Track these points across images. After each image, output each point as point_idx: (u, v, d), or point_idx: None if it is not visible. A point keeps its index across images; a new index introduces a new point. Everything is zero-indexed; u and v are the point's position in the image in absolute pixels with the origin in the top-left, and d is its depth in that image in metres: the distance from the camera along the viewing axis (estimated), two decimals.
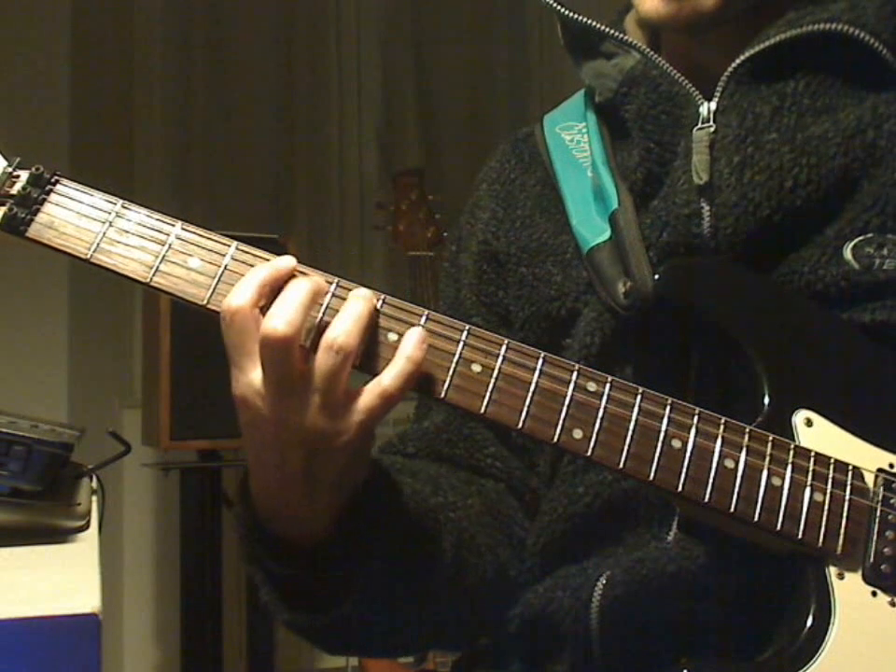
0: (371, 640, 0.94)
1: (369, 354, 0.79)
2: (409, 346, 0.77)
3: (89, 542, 1.14)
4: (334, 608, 0.84)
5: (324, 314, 0.77)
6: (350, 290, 0.79)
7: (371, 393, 0.77)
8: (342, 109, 3.69)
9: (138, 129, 3.49)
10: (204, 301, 0.78)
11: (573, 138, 1.06)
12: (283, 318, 0.74)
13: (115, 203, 0.80)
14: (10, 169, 0.80)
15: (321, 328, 0.76)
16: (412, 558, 0.89)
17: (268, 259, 0.79)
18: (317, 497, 0.80)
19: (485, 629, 1.04)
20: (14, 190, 0.79)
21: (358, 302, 0.77)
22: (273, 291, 0.76)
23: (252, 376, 0.76)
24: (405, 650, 1.00)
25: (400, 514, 0.88)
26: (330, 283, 0.80)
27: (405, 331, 0.79)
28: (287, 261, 0.78)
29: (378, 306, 0.79)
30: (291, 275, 0.78)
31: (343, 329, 0.75)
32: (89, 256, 0.79)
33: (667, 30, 1.02)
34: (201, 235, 0.80)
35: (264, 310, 0.76)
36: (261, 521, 0.83)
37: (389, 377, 0.76)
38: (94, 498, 1.31)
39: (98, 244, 0.79)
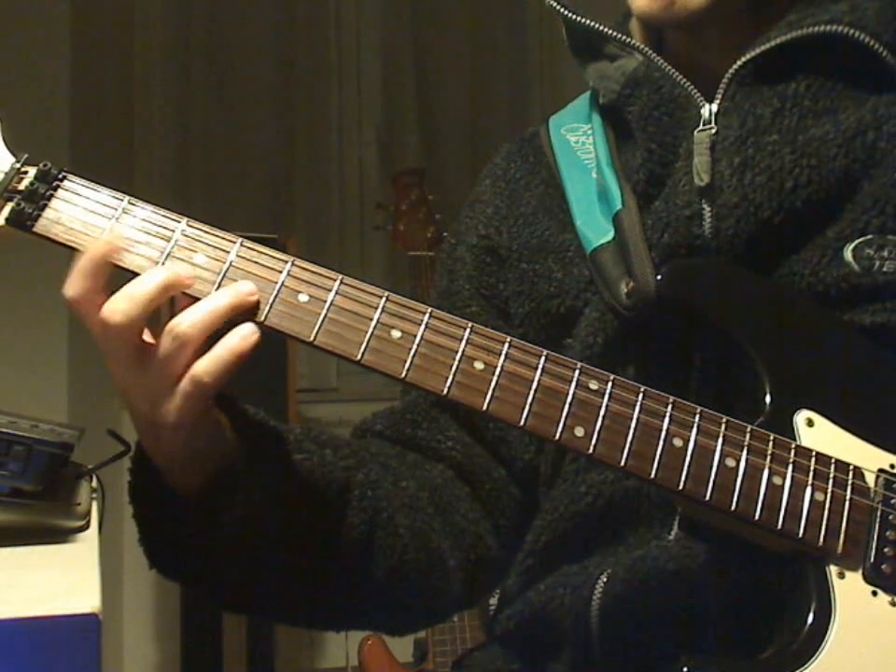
0: (251, 600, 0.94)
1: (376, 350, 0.79)
2: (233, 337, 0.77)
3: (89, 542, 1.14)
4: (197, 557, 0.85)
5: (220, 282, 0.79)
6: (353, 287, 0.80)
7: (187, 378, 0.78)
8: (342, 109, 3.69)
9: (138, 128, 3.49)
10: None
11: (578, 140, 1.06)
12: (118, 308, 0.76)
13: (121, 200, 0.80)
14: (18, 165, 0.81)
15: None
16: (302, 527, 0.89)
17: (273, 256, 0.80)
18: (173, 463, 0.83)
19: (418, 614, 1.04)
20: (22, 186, 0.80)
21: (221, 295, 0.78)
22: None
23: (99, 346, 0.79)
24: (307, 619, 1.01)
25: (286, 483, 0.88)
26: (334, 280, 0.80)
27: (409, 329, 0.79)
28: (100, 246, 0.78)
29: (382, 304, 0.79)
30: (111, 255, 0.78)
31: (190, 318, 0.77)
32: None
33: (662, 28, 1.02)
34: (206, 232, 0.80)
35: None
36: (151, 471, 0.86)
37: (202, 364, 0.77)
38: (94, 498, 1.31)
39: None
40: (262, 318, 0.79)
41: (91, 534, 1.17)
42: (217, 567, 0.86)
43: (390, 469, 1.00)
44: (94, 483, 1.37)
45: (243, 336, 0.77)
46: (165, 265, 0.78)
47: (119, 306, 0.76)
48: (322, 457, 0.92)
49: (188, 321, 0.76)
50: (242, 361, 0.77)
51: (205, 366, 0.77)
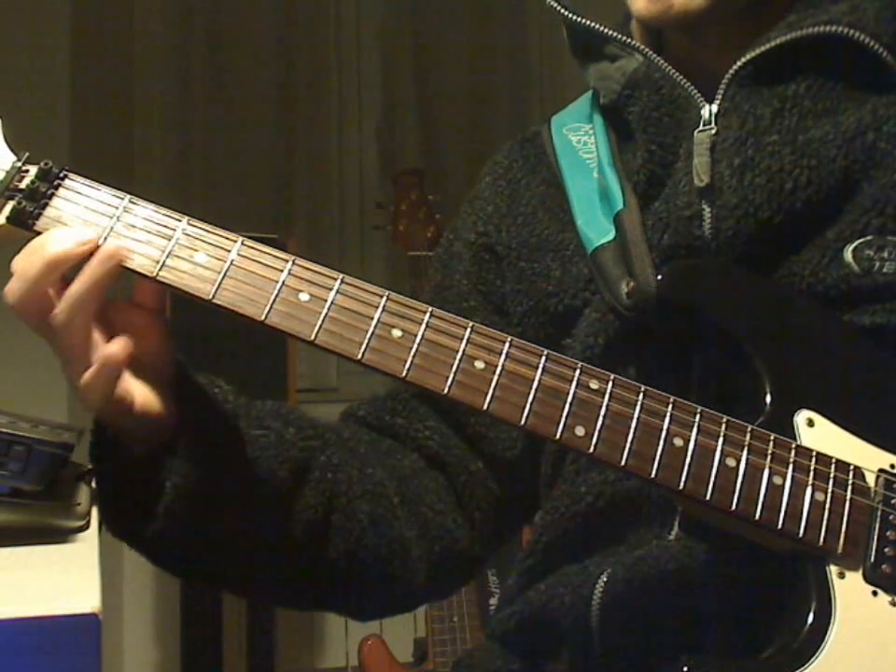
0: (195, 568, 0.94)
1: (376, 350, 0.79)
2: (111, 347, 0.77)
3: (89, 542, 1.14)
4: (146, 524, 0.86)
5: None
6: (354, 287, 0.80)
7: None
8: (342, 109, 3.69)
9: (138, 128, 3.49)
10: (210, 297, 0.79)
11: (580, 139, 1.06)
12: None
13: (122, 198, 0.80)
14: (19, 164, 0.81)
15: None
16: (256, 504, 0.89)
17: (274, 255, 0.80)
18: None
19: (376, 601, 1.04)
20: (23, 185, 0.80)
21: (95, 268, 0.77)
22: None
23: None
24: (265, 593, 1.02)
25: (240, 457, 0.88)
26: (335, 279, 0.80)
27: (409, 328, 0.79)
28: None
29: (383, 304, 0.80)
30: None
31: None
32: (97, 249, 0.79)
33: (661, 29, 1.02)
34: (207, 231, 0.80)
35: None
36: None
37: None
38: (94, 498, 1.31)
39: (105, 238, 0.79)
40: (263, 317, 0.79)
41: (91, 534, 1.17)
42: (167, 533, 0.86)
43: (358, 455, 1.00)
44: (94, 484, 1.37)
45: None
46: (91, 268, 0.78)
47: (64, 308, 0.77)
48: (281, 435, 0.92)
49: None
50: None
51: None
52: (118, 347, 0.77)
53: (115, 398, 0.79)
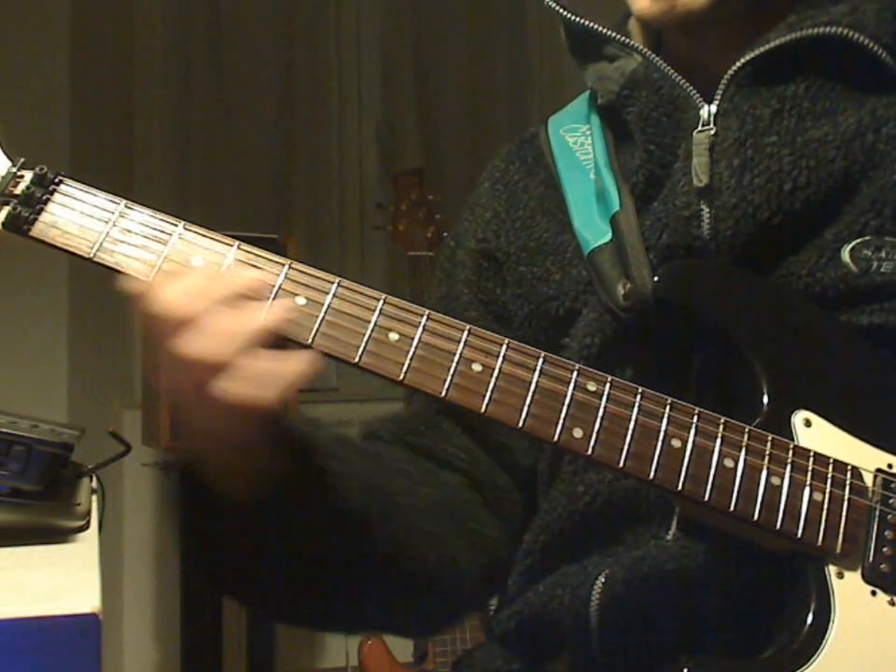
0: (283, 603, 0.94)
1: (373, 353, 0.79)
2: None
3: (89, 542, 1.14)
4: (243, 553, 0.85)
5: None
6: (350, 290, 0.80)
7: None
8: (342, 109, 3.69)
9: (138, 129, 3.49)
10: None
11: (577, 140, 1.06)
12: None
13: (118, 203, 0.80)
14: (14, 169, 0.81)
15: None
16: (339, 534, 0.89)
17: (270, 259, 0.80)
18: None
19: (434, 619, 1.05)
20: (18, 190, 0.80)
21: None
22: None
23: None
24: (333, 623, 1.02)
25: (328, 491, 0.87)
26: (332, 283, 0.80)
27: (406, 331, 0.79)
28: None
29: (380, 307, 0.80)
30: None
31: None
32: (92, 255, 0.79)
33: (662, 29, 1.02)
34: (203, 235, 0.80)
35: None
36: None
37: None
38: (94, 498, 1.31)
39: (101, 243, 0.79)
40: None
41: (91, 534, 1.17)
42: (264, 570, 0.86)
43: (409, 476, 1.00)
44: (94, 483, 1.38)
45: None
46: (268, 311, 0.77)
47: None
48: (352, 463, 0.92)
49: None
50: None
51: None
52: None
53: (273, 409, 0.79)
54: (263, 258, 0.80)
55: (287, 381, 0.76)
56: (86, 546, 1.12)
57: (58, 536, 1.13)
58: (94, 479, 1.38)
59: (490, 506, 1.05)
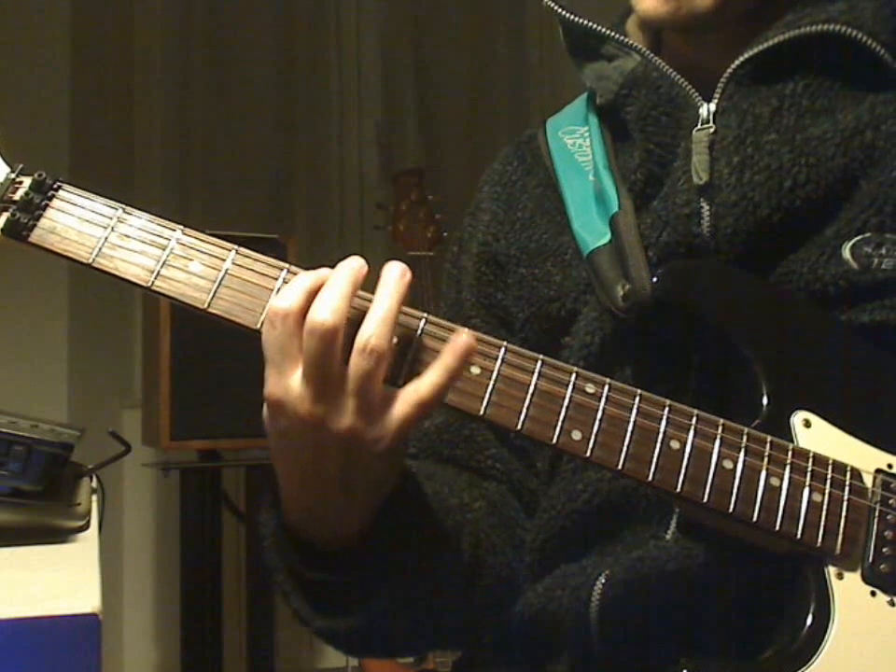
0: (394, 641, 0.94)
1: None
2: (449, 357, 0.76)
3: (89, 542, 1.14)
4: (364, 611, 0.84)
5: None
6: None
7: (406, 401, 0.75)
8: (342, 109, 3.69)
9: (138, 129, 3.49)
10: (205, 305, 0.79)
11: (575, 142, 1.06)
12: (328, 308, 0.73)
13: (116, 209, 0.81)
14: (13, 175, 0.81)
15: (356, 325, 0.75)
16: (434, 560, 0.89)
17: (268, 263, 0.80)
18: (353, 503, 0.80)
19: (488, 628, 1.05)
20: (17, 196, 0.80)
21: (387, 301, 0.75)
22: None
23: (292, 378, 0.75)
24: (420, 649, 1.03)
25: (425, 517, 0.88)
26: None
27: (405, 334, 0.79)
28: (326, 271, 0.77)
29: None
30: None
31: (375, 331, 0.74)
32: (91, 261, 0.79)
33: (666, 30, 1.02)
34: (201, 240, 0.80)
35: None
36: (291, 527, 0.83)
37: (426, 387, 0.75)
38: (94, 498, 1.31)
39: (100, 248, 0.79)
40: (258, 325, 0.78)
41: (91, 534, 1.17)
42: (389, 612, 0.85)
43: (465, 491, 1.01)
44: (94, 483, 1.38)
45: (459, 357, 0.76)
46: (347, 265, 0.76)
47: (328, 305, 0.73)
48: (432, 488, 0.93)
49: (376, 334, 0.73)
50: (457, 381, 0.76)
51: (428, 390, 0.75)
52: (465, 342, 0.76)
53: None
54: (262, 261, 0.80)
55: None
56: (86, 546, 1.12)
57: (58, 536, 1.13)
58: (94, 479, 1.38)
59: (527, 510, 1.06)
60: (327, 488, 0.78)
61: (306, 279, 0.76)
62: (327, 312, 0.73)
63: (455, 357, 0.76)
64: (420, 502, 0.88)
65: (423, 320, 0.80)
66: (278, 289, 0.79)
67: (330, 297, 0.74)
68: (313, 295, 0.75)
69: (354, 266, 0.77)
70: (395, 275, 0.77)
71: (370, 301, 0.76)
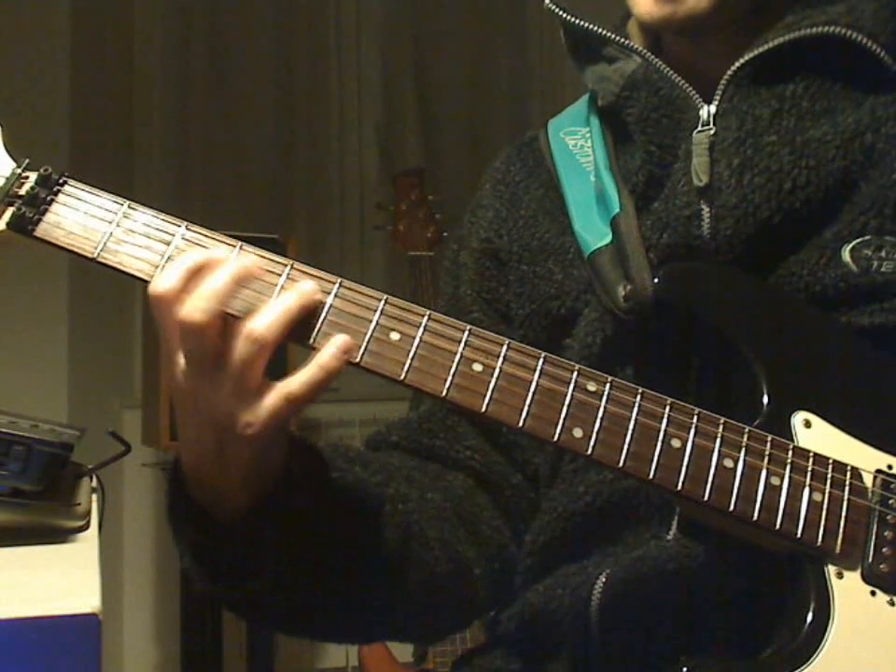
0: (290, 619, 0.94)
1: (375, 353, 0.79)
2: (325, 355, 0.77)
3: (89, 542, 1.14)
4: (246, 583, 0.85)
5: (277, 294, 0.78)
6: (352, 290, 0.80)
7: (277, 394, 0.77)
8: (342, 109, 3.69)
9: (138, 129, 3.49)
10: None
11: (577, 143, 1.06)
12: (198, 306, 0.75)
13: (122, 204, 0.81)
14: (19, 170, 0.82)
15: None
16: (342, 545, 0.89)
17: (272, 260, 0.80)
18: (229, 478, 0.81)
19: (445, 624, 1.06)
20: (23, 191, 0.81)
21: (290, 295, 0.77)
22: (201, 278, 0.77)
23: (177, 353, 0.77)
24: (340, 634, 1.02)
25: (327, 501, 0.87)
26: (333, 283, 0.80)
27: (407, 331, 0.79)
28: (221, 254, 0.78)
29: (381, 307, 0.80)
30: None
31: (265, 321, 0.76)
32: (95, 255, 0.80)
33: (664, 32, 1.02)
34: (206, 236, 0.81)
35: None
36: (188, 491, 0.85)
37: (298, 383, 0.77)
38: (94, 498, 1.31)
39: (105, 243, 0.80)
40: None
41: (91, 534, 1.17)
42: (259, 589, 0.86)
43: (415, 482, 1.00)
44: (94, 483, 1.38)
45: (336, 356, 0.77)
46: (233, 257, 0.78)
47: (200, 304, 0.75)
48: (355, 474, 0.93)
49: (264, 324, 0.76)
50: (333, 379, 0.77)
51: (299, 386, 0.76)
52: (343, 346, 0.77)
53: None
54: (265, 258, 0.80)
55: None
56: (86, 546, 1.12)
57: (58, 536, 1.13)
58: (94, 479, 1.38)
59: (503, 507, 1.05)
60: (205, 459, 0.81)
61: (189, 260, 0.77)
62: (195, 310, 0.75)
63: (329, 357, 0.77)
64: (318, 487, 0.87)
65: (426, 317, 0.80)
66: (281, 286, 0.79)
67: (206, 294, 0.75)
68: (193, 276, 0.76)
69: (244, 264, 0.78)
70: (308, 286, 0.78)
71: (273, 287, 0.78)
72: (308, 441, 0.89)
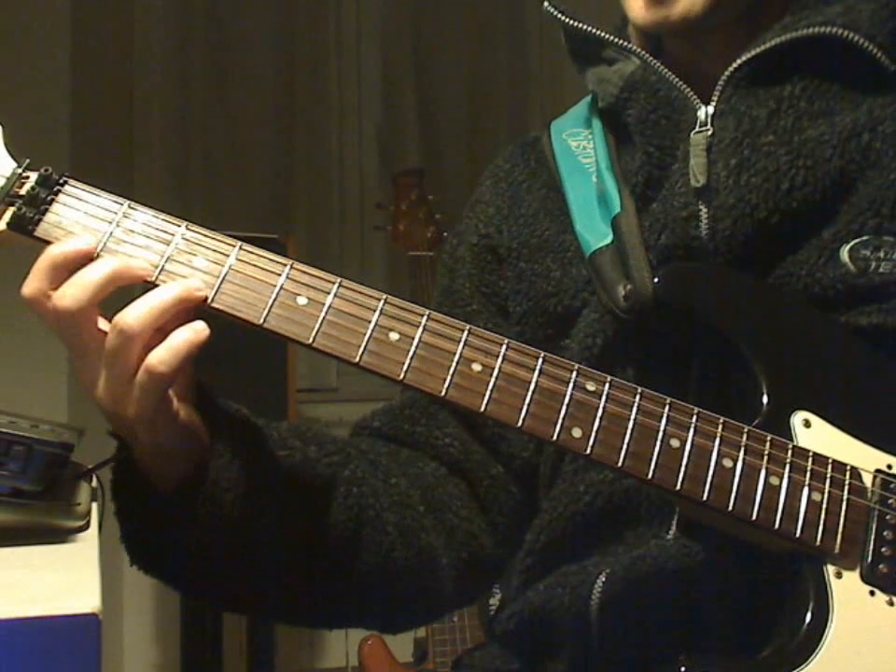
0: (225, 597, 0.95)
1: (374, 353, 0.79)
2: (185, 331, 0.78)
3: (89, 542, 1.14)
4: (170, 558, 0.86)
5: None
6: (351, 290, 0.80)
7: (140, 369, 0.78)
8: (342, 109, 3.68)
9: (138, 128, 3.49)
10: (209, 301, 0.79)
11: (579, 144, 1.07)
12: (68, 293, 0.77)
13: (122, 204, 0.81)
14: (20, 170, 0.82)
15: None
16: (282, 524, 0.89)
17: (272, 260, 0.80)
18: (150, 454, 0.83)
19: (407, 613, 1.04)
20: (23, 191, 0.81)
21: (165, 290, 0.78)
22: (67, 271, 0.78)
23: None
24: (297, 616, 1.02)
25: (264, 478, 0.88)
26: (333, 283, 0.80)
27: (407, 331, 0.79)
28: (79, 244, 0.79)
29: (381, 307, 0.80)
30: (90, 258, 0.79)
31: (134, 312, 0.77)
32: (95, 255, 0.79)
33: (661, 34, 1.03)
34: (205, 236, 0.81)
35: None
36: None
37: (156, 354, 0.77)
38: (94, 498, 1.31)
39: (105, 243, 0.80)
40: (262, 321, 0.79)
41: (91, 534, 1.16)
42: (198, 563, 0.86)
43: (380, 467, 1.00)
44: (94, 483, 1.37)
45: (195, 329, 0.78)
46: (115, 256, 0.79)
47: (68, 291, 0.77)
48: (305, 454, 0.92)
49: (132, 314, 0.77)
50: (194, 353, 0.77)
51: (159, 356, 0.77)
52: (200, 326, 0.78)
53: (166, 399, 0.80)
54: (265, 258, 0.80)
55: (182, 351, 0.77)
56: (86, 546, 1.12)
57: (58, 536, 1.13)
58: (94, 479, 1.38)
59: (480, 498, 1.05)
60: (118, 428, 0.84)
61: (47, 257, 0.79)
62: (67, 299, 0.77)
63: (183, 330, 0.77)
64: (263, 466, 0.88)
65: (425, 317, 0.80)
66: (281, 286, 0.80)
67: (78, 283, 0.77)
68: (58, 271, 0.78)
69: (115, 264, 0.78)
70: (192, 281, 0.79)
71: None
72: (245, 419, 0.89)
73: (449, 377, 0.79)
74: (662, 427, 0.81)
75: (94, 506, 1.27)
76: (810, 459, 0.83)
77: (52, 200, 0.81)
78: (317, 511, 0.91)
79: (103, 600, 0.87)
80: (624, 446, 0.80)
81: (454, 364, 0.80)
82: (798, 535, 0.81)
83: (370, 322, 0.80)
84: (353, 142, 3.68)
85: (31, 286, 0.78)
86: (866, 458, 0.85)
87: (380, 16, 3.74)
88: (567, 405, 0.80)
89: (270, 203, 3.58)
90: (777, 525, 0.81)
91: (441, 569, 1.00)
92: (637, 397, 0.82)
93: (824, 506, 0.82)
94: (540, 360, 0.81)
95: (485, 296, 1.09)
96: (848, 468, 0.84)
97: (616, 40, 1.01)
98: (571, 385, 0.81)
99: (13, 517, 1.12)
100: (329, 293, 0.80)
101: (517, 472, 1.06)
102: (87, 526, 1.17)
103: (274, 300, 0.79)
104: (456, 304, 1.08)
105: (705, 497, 0.81)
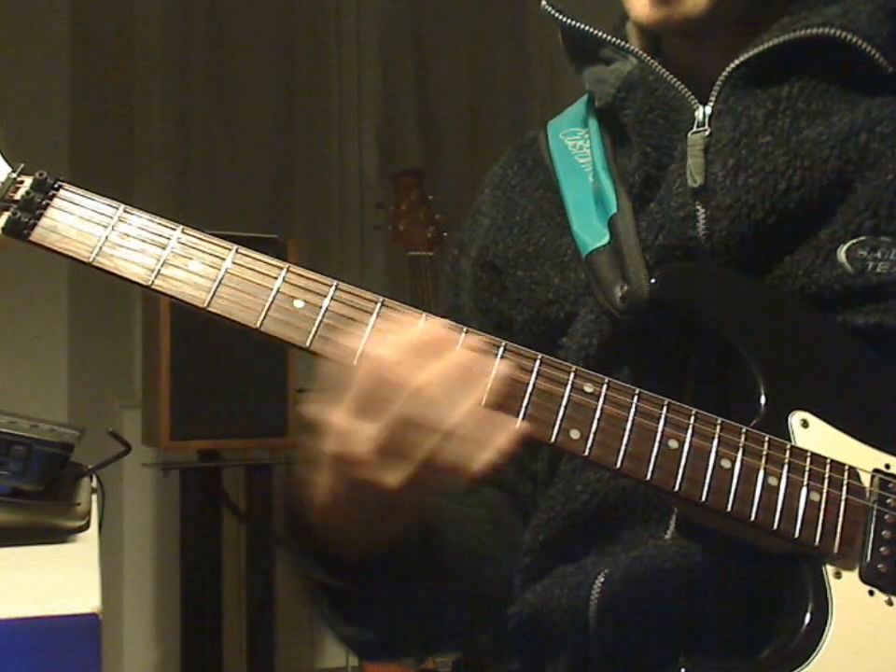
0: (404, 648, 0.98)
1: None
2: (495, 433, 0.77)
3: (89, 542, 1.14)
4: (386, 621, 0.88)
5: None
6: (349, 294, 0.80)
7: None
8: (342, 109, 3.69)
9: (138, 129, 3.49)
10: (205, 304, 0.79)
11: (576, 144, 1.07)
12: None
13: (117, 208, 0.81)
14: (14, 175, 0.82)
15: None
16: (441, 572, 0.90)
17: (268, 263, 0.80)
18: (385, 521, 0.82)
19: (483, 632, 1.05)
20: (18, 195, 0.81)
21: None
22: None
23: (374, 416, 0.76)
24: (421, 653, 1.04)
25: (442, 528, 0.89)
26: (330, 286, 0.80)
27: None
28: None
29: (378, 310, 0.80)
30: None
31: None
32: (91, 259, 0.80)
33: (662, 34, 1.03)
34: (201, 239, 0.81)
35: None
36: (319, 540, 0.85)
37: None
38: (94, 498, 1.31)
39: (100, 247, 0.80)
40: (258, 325, 0.79)
41: (91, 534, 1.17)
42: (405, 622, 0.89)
43: (463, 500, 1.01)
44: (94, 483, 1.38)
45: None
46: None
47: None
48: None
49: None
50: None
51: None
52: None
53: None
54: (261, 261, 0.80)
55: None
56: (86, 546, 1.12)
57: (58, 536, 1.13)
58: (94, 479, 1.39)
59: (522, 516, 1.06)
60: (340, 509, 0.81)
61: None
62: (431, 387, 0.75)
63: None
64: (439, 516, 0.89)
65: (422, 319, 0.80)
66: (277, 289, 0.79)
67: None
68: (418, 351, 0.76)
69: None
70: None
71: None
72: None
73: None
74: (660, 429, 0.81)
75: (94, 506, 1.27)
76: (808, 459, 0.83)
77: (47, 204, 0.80)
78: (456, 552, 0.93)
79: (103, 600, 0.88)
80: (623, 448, 0.80)
81: None
82: (797, 535, 0.81)
83: (367, 326, 0.80)
84: (353, 142, 3.68)
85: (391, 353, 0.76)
86: (864, 458, 0.85)
87: (380, 17, 3.74)
88: (565, 407, 0.80)
89: (270, 204, 3.58)
90: (775, 526, 0.81)
91: (510, 588, 1.02)
92: (635, 398, 0.82)
93: (822, 506, 0.82)
94: (538, 362, 0.81)
95: (483, 313, 1.09)
96: (846, 467, 0.84)
97: (613, 40, 1.01)
98: (569, 386, 0.81)
99: (13, 517, 1.12)
100: (325, 296, 0.80)
101: (536, 485, 1.07)
102: (87, 526, 1.17)
103: (271, 303, 0.79)
104: (459, 319, 1.08)
105: (703, 499, 0.81)
